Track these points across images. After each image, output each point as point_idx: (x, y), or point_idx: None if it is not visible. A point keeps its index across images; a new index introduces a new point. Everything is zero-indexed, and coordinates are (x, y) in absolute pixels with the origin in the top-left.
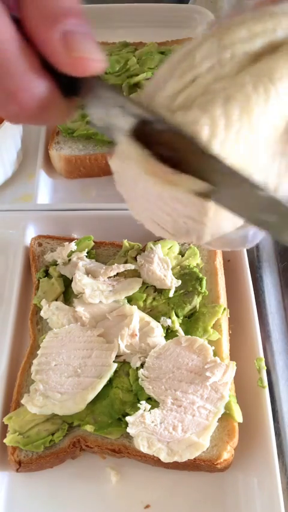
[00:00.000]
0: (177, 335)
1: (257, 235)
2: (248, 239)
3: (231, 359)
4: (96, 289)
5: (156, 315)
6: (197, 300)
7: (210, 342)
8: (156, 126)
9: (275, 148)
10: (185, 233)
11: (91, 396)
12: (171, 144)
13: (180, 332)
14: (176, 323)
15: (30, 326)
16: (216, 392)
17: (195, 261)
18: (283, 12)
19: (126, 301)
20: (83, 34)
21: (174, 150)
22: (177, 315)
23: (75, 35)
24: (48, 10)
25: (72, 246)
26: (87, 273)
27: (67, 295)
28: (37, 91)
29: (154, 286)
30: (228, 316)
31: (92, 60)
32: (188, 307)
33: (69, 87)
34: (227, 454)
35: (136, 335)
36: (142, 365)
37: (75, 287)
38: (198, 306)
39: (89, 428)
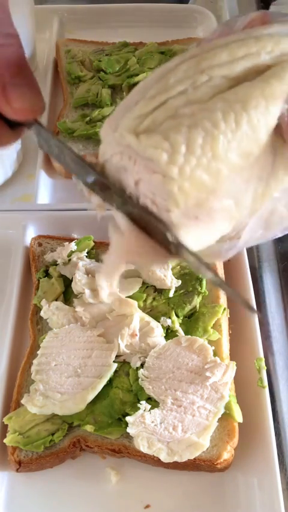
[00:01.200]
0: (177, 335)
1: (231, 250)
2: (222, 253)
3: (231, 359)
4: (96, 289)
5: (156, 315)
6: (197, 300)
7: (210, 342)
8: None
9: (250, 173)
10: None
11: (91, 396)
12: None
13: (180, 332)
14: (176, 323)
15: (30, 326)
16: (216, 392)
17: None
18: (269, 35)
19: None
20: (20, 85)
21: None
22: (177, 315)
23: (13, 87)
24: None
25: (72, 246)
26: (87, 273)
27: (67, 295)
28: None
29: (154, 286)
30: (228, 316)
31: (30, 110)
32: (188, 307)
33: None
34: (227, 454)
35: (136, 334)
36: (142, 365)
37: (75, 287)
38: (198, 306)
39: (89, 428)
